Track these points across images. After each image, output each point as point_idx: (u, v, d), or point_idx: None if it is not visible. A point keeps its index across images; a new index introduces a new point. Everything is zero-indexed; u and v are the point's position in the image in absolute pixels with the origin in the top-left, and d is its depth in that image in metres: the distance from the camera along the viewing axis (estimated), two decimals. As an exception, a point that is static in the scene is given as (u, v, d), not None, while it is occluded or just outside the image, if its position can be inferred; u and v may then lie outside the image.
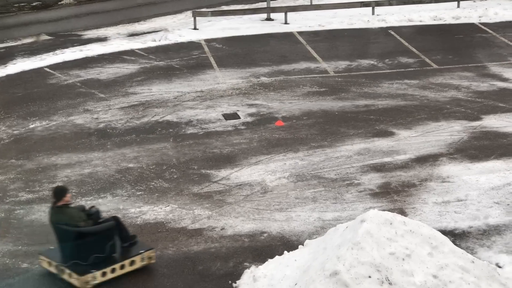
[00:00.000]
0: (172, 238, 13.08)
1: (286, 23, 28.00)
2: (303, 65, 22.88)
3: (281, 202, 14.33)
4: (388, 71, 22.22)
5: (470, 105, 19.13)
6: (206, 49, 24.87)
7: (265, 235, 13.17)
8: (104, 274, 11.89)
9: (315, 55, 23.87)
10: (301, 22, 27.96)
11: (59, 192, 12.10)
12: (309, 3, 30.34)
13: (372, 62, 23.06)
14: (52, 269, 12.18)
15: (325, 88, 20.68)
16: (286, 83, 21.17)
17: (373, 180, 15.16)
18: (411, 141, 17.02)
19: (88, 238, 11.99)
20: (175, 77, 21.97)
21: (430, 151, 16.46)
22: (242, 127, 18.09)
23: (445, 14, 28.21)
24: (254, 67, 22.70)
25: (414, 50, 24.25)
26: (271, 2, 29.80)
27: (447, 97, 19.82)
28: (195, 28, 27.46)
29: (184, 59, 23.76)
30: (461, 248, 12.02)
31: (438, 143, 16.87)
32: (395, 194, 14.54)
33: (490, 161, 15.89)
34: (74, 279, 11.82)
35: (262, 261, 12.06)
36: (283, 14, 28.35)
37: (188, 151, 16.79)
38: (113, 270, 11.97)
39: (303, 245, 12.16)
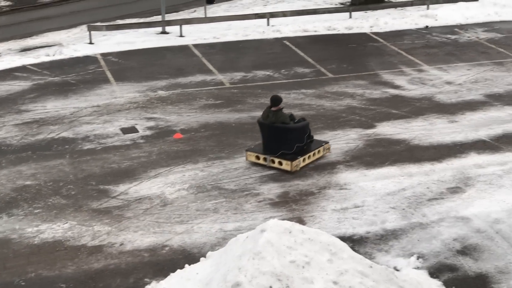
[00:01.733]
0: (71, 256, 12.87)
1: (181, 36, 27.99)
2: (199, 77, 22.91)
3: (181, 215, 14.29)
4: (285, 81, 22.46)
5: (364, 113, 19.52)
6: (102, 63, 24.63)
7: (166, 248, 13.10)
8: (303, 160, 16.14)
9: (211, 67, 23.94)
10: (196, 35, 27.99)
11: (276, 100, 16.21)
12: (204, 16, 30.40)
13: (268, 72, 23.27)
14: (260, 161, 16.26)
15: (221, 100, 20.75)
16: (183, 96, 21.15)
17: (272, 190, 15.29)
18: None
19: (293, 133, 16.21)
20: (71, 92, 21.66)
21: (328, 160, 16.71)
22: (141, 141, 17.98)
23: (338, 25, 28.73)
24: (151, 81, 22.60)
25: (309, 60, 24.59)
26: (166, 15, 29.75)
27: (342, 105, 20.18)
28: (90, 43, 27.16)
29: (80, 74, 23.45)
30: (360, 253, 12.25)
31: (335, 151, 17.13)
32: (293, 203, 14.70)
33: (385, 168, 16.25)
34: (285, 165, 15.97)
35: (164, 275, 11.99)
36: (178, 27, 28.33)
37: (86, 167, 16.58)
38: (308, 157, 16.30)
39: (205, 257, 12.14)
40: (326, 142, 16.92)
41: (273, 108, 16.23)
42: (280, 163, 16.06)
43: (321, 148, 16.65)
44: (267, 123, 16.27)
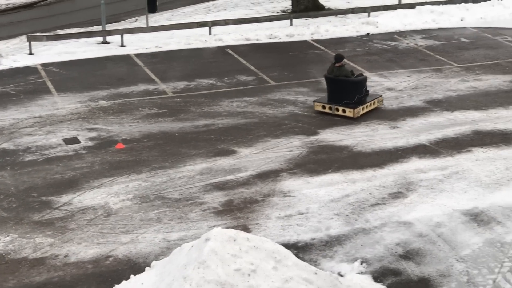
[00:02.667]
0: (12, 270, 12.70)
1: (122, 45, 27.82)
2: (142, 87, 22.80)
3: (126, 225, 14.21)
4: (227, 89, 22.49)
5: (307, 120, 19.65)
6: (43, 74, 24.36)
7: (110, 259, 13.02)
8: (362, 109, 19.79)
9: (153, 76, 23.86)
10: (138, 44, 27.86)
11: (340, 58, 19.94)
12: (146, 25, 30.29)
13: (211, 81, 23.28)
14: (326, 110, 19.93)
15: (164, 110, 20.69)
16: (125, 106, 21.04)
17: (216, 198, 15.30)
18: (252, 158, 17.30)
19: (354, 86, 19.79)
20: (11, 103, 21.37)
21: (271, 167, 16.79)
22: (83, 151, 17.83)
23: (279, 32, 28.87)
24: (92, 91, 22.42)
25: (252, 68, 24.67)
26: (107, 25, 29.55)
27: (285, 112, 20.28)
28: (30, 53, 26.84)
29: (21, 85, 23.16)
30: (305, 260, 12.34)
31: (279, 159, 17.22)
32: (238, 211, 14.73)
33: (328, 174, 16.38)
34: (348, 113, 19.60)
35: (109, 286, 11.91)
36: (119, 36, 28.17)
37: (27, 178, 16.38)
38: (366, 107, 19.94)
39: (150, 267, 12.10)
40: (380, 95, 20.75)
41: (337, 64, 19.85)
42: (344, 111, 19.67)
43: (376, 100, 20.37)
44: (332, 76, 19.82)
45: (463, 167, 16.67)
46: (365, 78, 20.39)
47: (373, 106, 20.21)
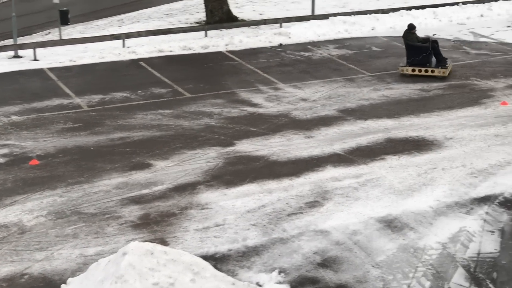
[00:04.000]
0: None
1: (35, 59, 27.42)
2: (56, 101, 22.51)
3: (41, 241, 14.00)
4: (142, 102, 22.39)
5: (223, 131, 19.72)
6: (-49, 89, 23.83)
7: (25, 277, 12.81)
8: (443, 72, 24.34)
9: (68, 90, 23.58)
10: (51, 58, 27.50)
11: (412, 27, 24.99)
12: (59, 38, 29.93)
13: (125, 94, 23.14)
14: (416, 72, 24.52)
15: (79, 124, 20.48)
16: (39, 121, 20.73)
17: (133, 212, 15.22)
18: (168, 171, 17.27)
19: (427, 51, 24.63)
20: None
21: (188, 180, 16.78)
22: (-5, 168, 17.52)
23: (194, 44, 28.90)
24: (3, 106, 22.02)
25: (166, 80, 24.62)
26: (19, 38, 29.09)
27: (201, 124, 20.31)
28: None
29: None
30: (222, 271, 12.38)
31: (195, 171, 17.23)
32: (155, 224, 14.67)
33: (245, 185, 16.46)
34: (436, 73, 24.34)
35: (24, 305, 11.74)
36: (32, 50, 27.75)
37: None
38: (447, 69, 24.45)
39: (66, 284, 11.96)
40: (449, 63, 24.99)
41: (410, 31, 24.91)
42: (433, 71, 24.40)
43: (451, 65, 24.99)
44: (405, 40, 24.87)
45: (377, 174, 16.98)
46: (436, 42, 25.12)
47: (450, 69, 24.76)
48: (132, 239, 13.73)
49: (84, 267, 12.89)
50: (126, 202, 15.70)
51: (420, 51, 24.58)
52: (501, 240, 14.11)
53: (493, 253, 13.65)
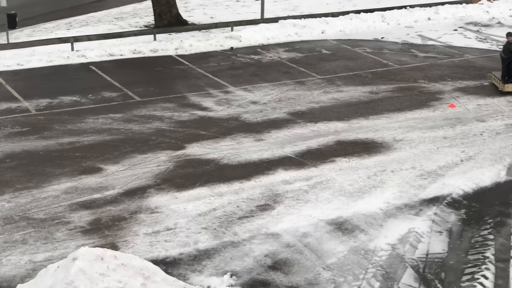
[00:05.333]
0: None
1: (-18, 63, 27.06)
2: (4, 105, 22.23)
3: (-12, 249, 13.85)
4: (92, 106, 22.23)
5: (173, 135, 19.67)
6: None
7: (-27, 285, 12.66)
8: None
9: (16, 94, 23.31)
10: (-2, 62, 27.16)
11: (510, 34, 23.10)
12: (6, 42, 29.55)
13: (74, 98, 22.94)
14: (495, 83, 23.71)
15: (27, 128, 20.25)
16: (-14, 125, 20.49)
17: (83, 217, 15.10)
18: (119, 175, 17.17)
19: None
20: None
21: (138, 184, 16.71)
22: None
23: (143, 47, 28.77)
24: (-50, 111, 21.72)
25: (116, 84, 24.46)
26: (-35, 42, 28.68)
27: (151, 128, 20.23)
28: None
29: None
30: (173, 275, 12.37)
31: (146, 175, 17.17)
32: (106, 229, 14.58)
33: (196, 189, 16.45)
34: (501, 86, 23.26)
35: (-28, 312, 11.59)
36: (-22, 54, 27.39)
37: None
38: None
39: (15, 290, 11.85)
40: None
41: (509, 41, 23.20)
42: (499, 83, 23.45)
43: None
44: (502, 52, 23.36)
45: (327, 177, 17.09)
46: None
47: None
48: (82, 244, 13.61)
49: (34, 273, 12.77)
50: (76, 207, 15.57)
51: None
52: (449, 241, 14.32)
53: (441, 253, 13.84)
